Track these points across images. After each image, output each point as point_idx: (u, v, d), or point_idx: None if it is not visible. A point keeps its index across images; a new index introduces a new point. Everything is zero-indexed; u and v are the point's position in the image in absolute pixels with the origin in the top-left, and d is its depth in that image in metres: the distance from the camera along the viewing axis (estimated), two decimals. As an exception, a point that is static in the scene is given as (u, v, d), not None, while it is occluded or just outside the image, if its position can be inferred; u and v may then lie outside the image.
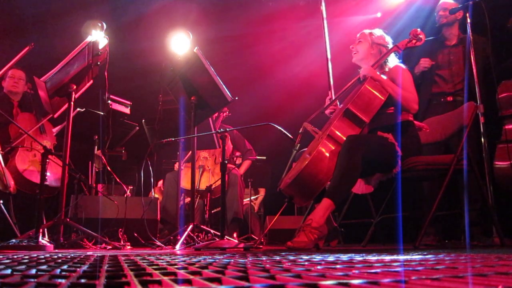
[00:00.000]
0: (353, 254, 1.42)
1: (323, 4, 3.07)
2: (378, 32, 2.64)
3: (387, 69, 2.55)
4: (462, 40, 3.32)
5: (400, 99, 2.37)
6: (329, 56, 3.00)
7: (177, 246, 2.43)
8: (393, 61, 2.58)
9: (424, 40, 2.62)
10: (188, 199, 3.82)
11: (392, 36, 2.67)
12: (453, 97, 3.24)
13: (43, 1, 4.44)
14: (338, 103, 2.77)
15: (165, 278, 0.64)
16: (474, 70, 2.91)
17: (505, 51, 3.29)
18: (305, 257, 1.23)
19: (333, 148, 2.28)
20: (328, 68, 2.96)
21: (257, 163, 4.29)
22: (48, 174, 2.51)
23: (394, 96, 2.38)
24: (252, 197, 4.32)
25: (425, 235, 2.87)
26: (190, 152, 3.53)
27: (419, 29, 2.60)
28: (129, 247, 2.71)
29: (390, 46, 2.60)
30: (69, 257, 1.31)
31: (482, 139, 2.85)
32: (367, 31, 2.64)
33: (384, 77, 2.46)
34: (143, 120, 3.48)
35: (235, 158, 4.23)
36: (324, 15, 3.06)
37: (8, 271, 0.78)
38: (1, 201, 3.03)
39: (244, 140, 4.33)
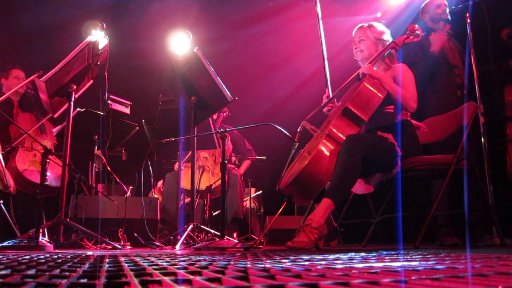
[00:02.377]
0: (353, 254, 1.42)
1: (318, 5, 3.07)
2: (377, 26, 2.59)
3: (391, 66, 2.53)
4: (450, 34, 3.32)
5: (399, 98, 2.36)
6: (325, 55, 3.00)
7: (177, 246, 2.43)
8: (396, 57, 2.55)
9: (422, 36, 2.60)
10: (188, 199, 3.81)
11: (393, 36, 2.66)
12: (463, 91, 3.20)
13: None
14: (335, 100, 2.75)
15: (165, 278, 0.64)
16: (474, 70, 2.90)
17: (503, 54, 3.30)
18: (305, 257, 1.22)
19: (333, 147, 2.28)
20: (325, 67, 2.96)
21: (257, 163, 4.29)
22: (48, 174, 2.51)
23: (392, 94, 2.36)
24: (252, 195, 4.32)
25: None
26: (190, 152, 3.53)
27: (416, 25, 2.58)
28: (129, 247, 2.71)
29: (390, 39, 2.57)
30: (69, 257, 1.31)
31: (482, 139, 2.84)
32: (364, 25, 2.60)
33: (381, 72, 2.44)
34: (143, 120, 3.48)
35: (234, 159, 4.24)
36: (320, 16, 3.06)
37: (8, 271, 0.78)
38: (1, 201, 3.03)
39: (244, 140, 4.33)
